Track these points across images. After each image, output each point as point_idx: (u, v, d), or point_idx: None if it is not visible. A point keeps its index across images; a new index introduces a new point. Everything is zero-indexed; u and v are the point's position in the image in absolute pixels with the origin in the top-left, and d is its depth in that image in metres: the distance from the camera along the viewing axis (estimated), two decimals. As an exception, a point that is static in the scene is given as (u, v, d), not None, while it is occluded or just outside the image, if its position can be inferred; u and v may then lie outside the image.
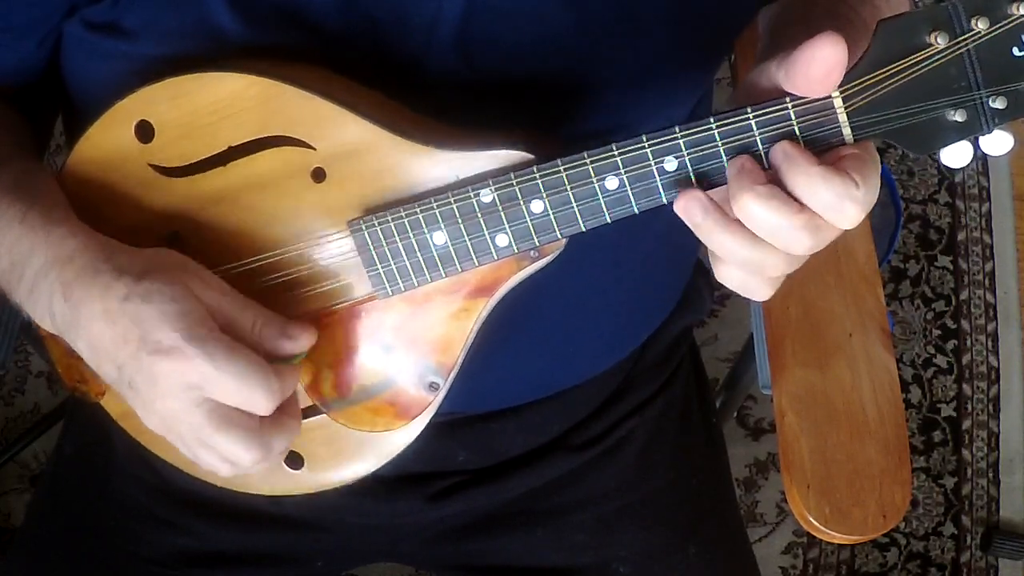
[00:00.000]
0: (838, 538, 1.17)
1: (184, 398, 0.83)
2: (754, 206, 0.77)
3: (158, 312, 0.82)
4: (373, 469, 0.99)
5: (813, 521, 1.16)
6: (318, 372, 0.93)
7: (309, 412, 0.95)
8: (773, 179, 0.79)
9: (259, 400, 0.83)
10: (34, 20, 0.94)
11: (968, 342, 2.27)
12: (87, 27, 0.93)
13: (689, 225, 0.81)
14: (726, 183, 0.80)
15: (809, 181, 0.77)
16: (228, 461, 0.86)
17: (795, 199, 0.77)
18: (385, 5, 0.89)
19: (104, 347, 0.85)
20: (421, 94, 0.91)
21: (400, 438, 0.97)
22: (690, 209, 0.80)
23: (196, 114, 0.88)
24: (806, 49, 0.75)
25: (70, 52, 0.97)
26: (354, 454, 0.99)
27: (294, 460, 0.98)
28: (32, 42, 0.96)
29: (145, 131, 0.89)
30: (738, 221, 0.79)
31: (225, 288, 0.86)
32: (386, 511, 1.22)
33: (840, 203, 0.77)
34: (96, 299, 0.84)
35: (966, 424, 2.20)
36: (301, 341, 0.88)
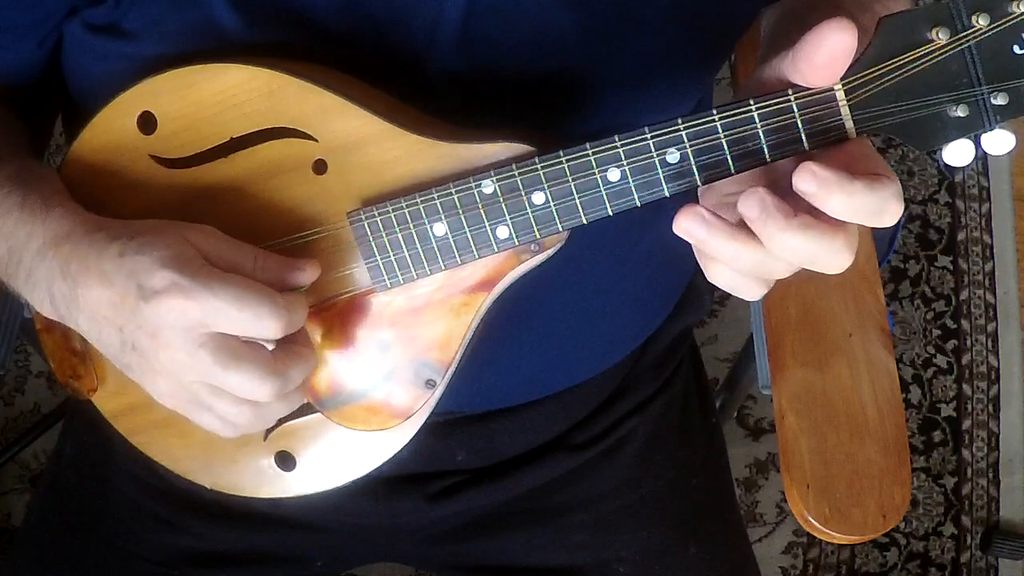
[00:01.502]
0: (838, 538, 1.17)
1: (187, 339, 0.81)
2: (793, 240, 0.75)
3: (153, 259, 0.81)
4: (369, 470, 0.99)
5: (813, 521, 1.16)
6: (313, 369, 0.93)
7: (303, 411, 0.95)
8: (793, 201, 0.76)
9: (267, 322, 0.81)
10: (35, 20, 0.94)
11: (968, 342, 2.27)
12: (88, 29, 0.93)
13: (693, 243, 0.78)
14: (729, 175, 0.80)
15: (852, 197, 0.74)
16: (244, 402, 0.84)
17: (830, 218, 0.76)
18: (386, 5, 0.89)
19: (103, 313, 0.84)
20: (423, 94, 0.91)
21: (396, 437, 0.97)
22: (691, 227, 0.77)
23: (198, 106, 0.88)
24: (814, 34, 0.75)
25: (71, 53, 0.97)
26: (348, 455, 0.98)
27: (286, 461, 0.98)
28: (32, 42, 0.96)
29: (147, 122, 0.89)
30: (742, 226, 0.77)
31: (220, 234, 0.85)
32: (386, 511, 1.21)
33: (886, 204, 0.76)
34: (92, 266, 0.83)
35: (966, 424, 2.20)
36: (307, 271, 0.87)
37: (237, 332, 0.82)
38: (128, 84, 0.89)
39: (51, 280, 0.86)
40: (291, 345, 0.85)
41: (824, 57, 0.75)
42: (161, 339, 0.82)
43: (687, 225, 0.77)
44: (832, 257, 0.77)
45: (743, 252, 0.77)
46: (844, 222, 0.76)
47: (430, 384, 0.92)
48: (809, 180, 0.74)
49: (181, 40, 0.90)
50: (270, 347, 0.85)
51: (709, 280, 0.82)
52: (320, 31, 0.89)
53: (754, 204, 0.75)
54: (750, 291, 0.82)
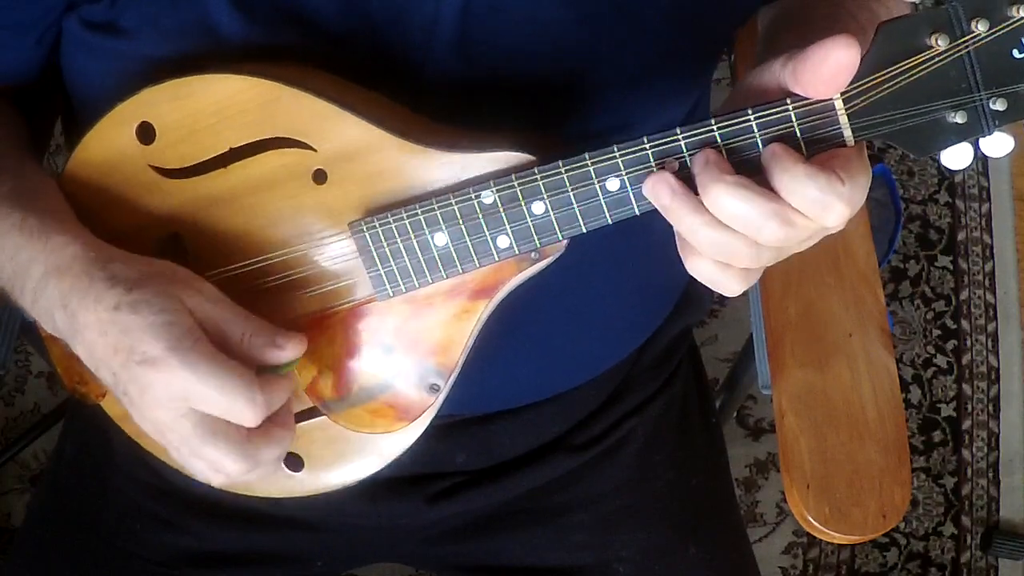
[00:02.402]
0: (838, 538, 1.17)
1: (171, 408, 0.84)
2: (723, 196, 0.77)
3: (145, 323, 0.82)
4: (373, 471, 0.99)
5: (813, 521, 1.16)
6: (318, 373, 0.93)
7: (309, 414, 0.95)
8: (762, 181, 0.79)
9: (243, 412, 0.83)
10: (33, 17, 0.94)
11: (968, 342, 2.27)
12: (85, 26, 0.93)
13: (658, 207, 0.81)
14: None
15: (793, 178, 0.77)
16: (217, 472, 0.87)
17: (769, 190, 0.77)
18: (384, 6, 0.89)
19: (99, 355, 0.85)
20: (421, 95, 0.91)
21: (400, 440, 0.97)
22: (658, 190, 0.80)
23: (197, 116, 0.88)
24: (818, 49, 0.75)
25: (69, 51, 0.97)
26: (354, 456, 0.99)
27: (294, 462, 0.98)
28: (31, 39, 0.96)
29: (146, 132, 0.89)
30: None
31: (217, 296, 0.86)
32: (386, 512, 1.21)
33: (825, 199, 0.77)
34: (89, 309, 0.84)
35: (966, 424, 2.20)
36: (288, 351, 0.88)
37: (216, 414, 0.84)
38: (126, 86, 0.89)
39: (52, 310, 0.87)
40: (269, 427, 0.87)
41: (827, 74, 0.76)
42: (147, 398, 0.84)
43: (654, 187, 0.80)
44: (763, 223, 0.77)
45: (701, 224, 0.79)
46: (780, 196, 0.78)
47: (434, 388, 0.93)
48: (766, 155, 0.79)
49: (178, 38, 0.90)
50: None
51: (688, 271, 0.83)
52: (317, 31, 0.89)
53: (701, 157, 0.79)
54: (730, 284, 0.83)
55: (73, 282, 0.85)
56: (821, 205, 0.77)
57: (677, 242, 0.83)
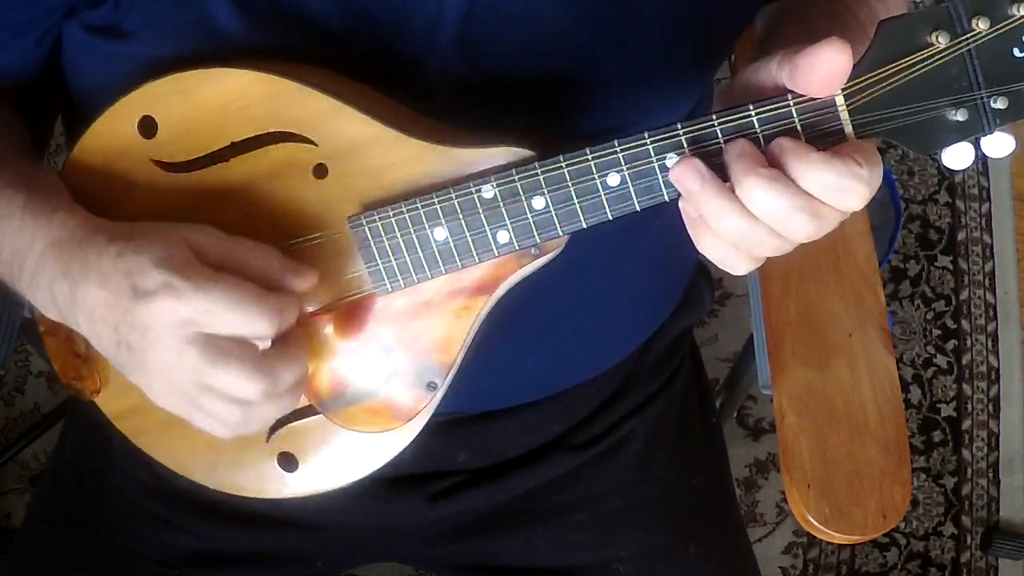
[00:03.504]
0: (838, 538, 1.17)
1: (176, 338, 0.81)
2: (758, 189, 0.77)
3: (148, 259, 0.82)
4: (370, 471, 0.99)
5: (813, 521, 1.16)
6: (315, 371, 0.93)
7: (305, 412, 0.95)
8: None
9: (257, 322, 0.81)
10: (33, 18, 0.94)
11: (968, 342, 2.27)
12: (87, 30, 0.93)
13: (684, 194, 0.81)
14: (729, 179, 0.80)
15: (811, 166, 0.77)
16: (233, 401, 0.84)
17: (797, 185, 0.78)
18: (385, 5, 0.89)
19: (99, 312, 0.84)
20: (422, 94, 0.91)
21: (398, 439, 0.97)
22: (686, 176, 0.80)
23: (199, 110, 0.88)
24: (811, 52, 0.75)
25: (70, 54, 0.97)
26: (351, 456, 0.98)
27: (289, 462, 0.98)
28: (30, 40, 0.96)
29: (148, 126, 0.89)
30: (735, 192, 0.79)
31: (220, 233, 0.86)
32: (386, 511, 1.21)
33: (843, 183, 0.77)
34: (92, 266, 0.84)
35: (966, 424, 2.20)
36: (305, 277, 0.87)
37: (227, 332, 0.82)
38: (126, 85, 0.89)
39: (53, 281, 0.86)
40: (282, 346, 0.85)
41: (821, 76, 0.76)
42: (150, 338, 0.82)
43: (683, 172, 0.80)
44: (793, 217, 0.78)
45: (729, 213, 0.79)
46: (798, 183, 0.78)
47: (432, 386, 0.92)
48: (776, 148, 0.79)
49: (179, 39, 0.90)
50: (262, 347, 0.85)
51: (699, 250, 0.83)
52: (319, 31, 0.89)
53: (735, 147, 0.79)
54: (741, 265, 0.83)
55: (75, 249, 0.85)
56: (841, 190, 0.77)
57: (686, 220, 0.83)
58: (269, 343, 0.85)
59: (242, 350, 0.82)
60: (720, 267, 0.84)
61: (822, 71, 0.76)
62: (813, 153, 0.77)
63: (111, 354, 0.86)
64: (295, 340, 0.87)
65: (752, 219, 0.79)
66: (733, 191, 0.79)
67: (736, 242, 0.81)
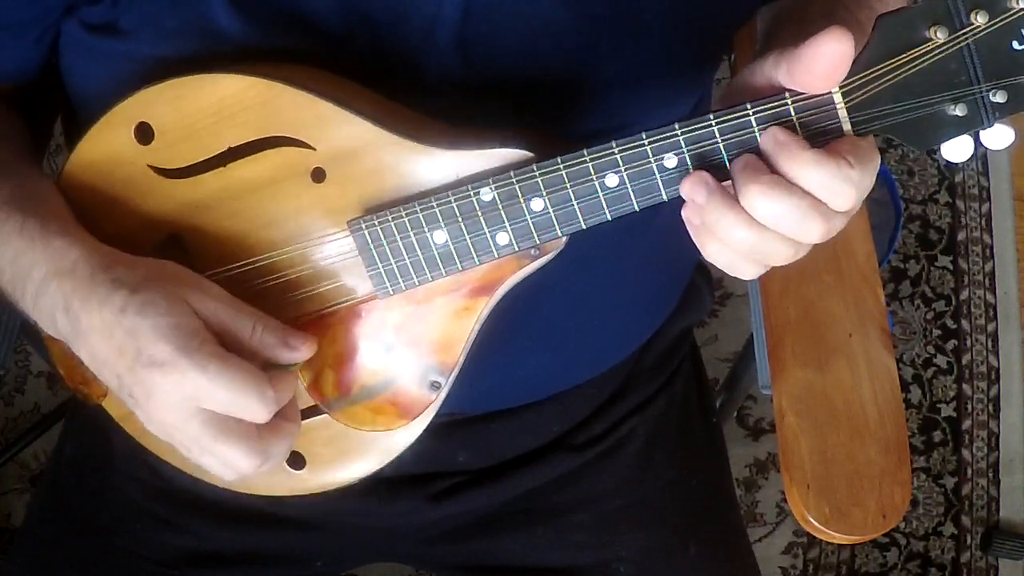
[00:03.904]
0: (838, 538, 1.17)
1: (181, 409, 0.83)
2: (760, 196, 0.77)
3: (152, 325, 0.82)
4: (375, 469, 0.99)
5: (813, 521, 1.16)
6: (319, 372, 0.93)
7: (310, 412, 0.95)
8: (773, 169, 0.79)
9: (254, 409, 0.83)
10: (32, 18, 0.94)
11: (968, 342, 2.27)
12: (85, 28, 0.93)
13: (694, 208, 0.81)
14: (727, 179, 0.81)
15: (802, 164, 0.77)
16: (229, 468, 0.87)
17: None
18: (384, 6, 0.89)
19: (103, 358, 0.85)
20: (421, 94, 0.91)
21: (401, 438, 0.97)
22: (695, 190, 0.80)
23: (196, 115, 0.88)
24: (812, 45, 0.75)
25: (69, 53, 0.97)
26: (356, 454, 0.99)
27: (296, 460, 0.99)
28: (29, 40, 0.96)
29: (145, 133, 0.89)
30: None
31: (223, 296, 0.87)
32: (386, 511, 1.21)
33: (833, 183, 0.77)
34: (94, 312, 0.84)
35: (966, 424, 2.20)
36: (301, 351, 0.89)
37: (226, 412, 0.84)
38: (125, 85, 0.89)
39: (54, 312, 0.87)
40: (277, 422, 0.87)
41: (823, 67, 0.76)
42: (155, 401, 0.84)
43: (692, 186, 0.80)
44: (802, 220, 0.78)
45: (737, 226, 0.79)
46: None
47: (435, 386, 0.93)
48: (769, 140, 0.79)
49: (177, 39, 0.90)
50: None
51: (705, 258, 0.83)
52: (317, 32, 0.89)
53: (739, 162, 0.80)
54: (745, 271, 0.83)
55: (75, 285, 0.85)
56: (829, 190, 0.77)
57: (690, 228, 0.83)
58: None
59: (240, 430, 0.85)
60: (728, 272, 0.84)
61: (824, 63, 0.76)
62: (805, 152, 0.77)
63: (114, 390, 0.88)
64: (291, 415, 0.89)
65: (761, 229, 0.79)
66: (738, 203, 0.79)
67: (748, 253, 0.81)
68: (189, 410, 0.83)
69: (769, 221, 0.78)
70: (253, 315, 0.87)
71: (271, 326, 0.87)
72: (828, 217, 0.78)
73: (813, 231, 0.79)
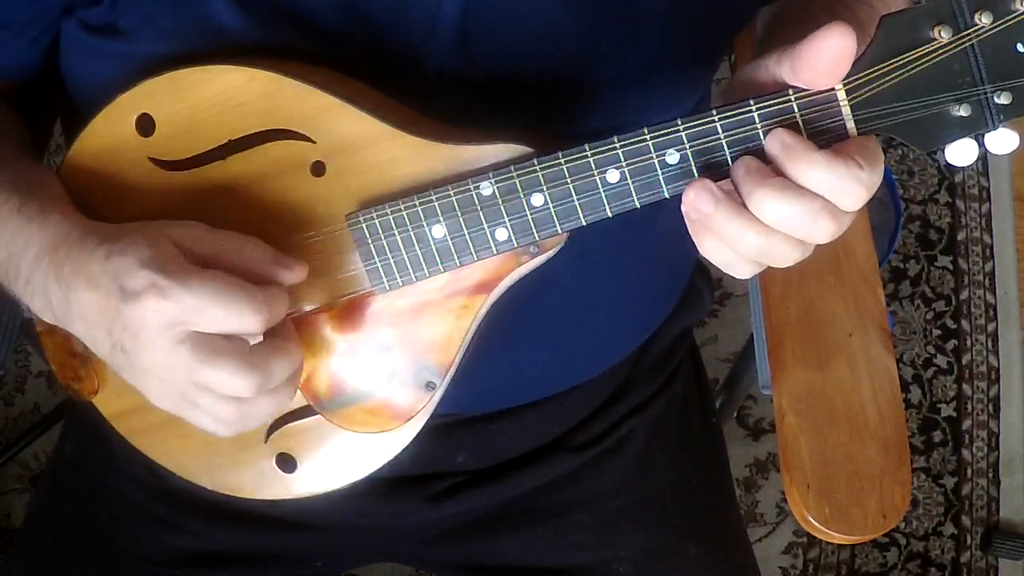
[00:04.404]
0: (838, 538, 1.17)
1: (166, 338, 0.81)
2: (770, 200, 0.77)
3: (133, 260, 0.81)
4: (369, 472, 0.99)
5: (813, 521, 1.16)
6: (313, 371, 0.93)
7: (303, 413, 0.95)
8: (777, 171, 0.79)
9: (245, 317, 0.81)
10: (31, 17, 0.94)
11: (968, 342, 2.27)
12: (85, 29, 0.93)
13: (698, 218, 0.80)
14: (728, 177, 0.80)
15: (811, 166, 0.77)
16: (228, 398, 0.83)
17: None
18: (383, 5, 0.89)
19: (93, 316, 0.84)
20: (420, 93, 0.91)
21: (396, 439, 0.97)
22: (700, 199, 0.80)
23: (197, 107, 0.88)
24: (814, 40, 0.75)
25: (68, 53, 0.97)
26: (349, 457, 0.98)
27: (287, 462, 0.98)
28: (27, 39, 0.96)
29: (145, 124, 0.89)
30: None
31: (204, 227, 0.85)
32: (386, 512, 1.21)
33: (843, 184, 0.77)
34: (82, 269, 0.83)
35: (966, 424, 2.20)
36: (294, 269, 0.87)
37: (216, 329, 0.81)
38: (125, 84, 0.89)
39: (47, 285, 0.86)
40: (273, 339, 0.84)
41: (826, 63, 0.76)
42: (142, 339, 0.82)
43: (696, 195, 0.80)
44: (813, 221, 0.78)
45: (746, 231, 0.79)
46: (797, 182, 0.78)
47: (430, 386, 0.92)
48: (776, 143, 0.78)
49: (177, 38, 0.90)
50: (253, 342, 0.84)
51: (702, 255, 0.83)
52: (317, 30, 0.89)
53: (741, 165, 0.79)
54: (743, 270, 0.83)
55: (67, 251, 0.85)
56: (840, 191, 0.77)
57: (688, 224, 0.82)
58: (261, 337, 0.84)
59: (232, 346, 0.82)
60: (725, 271, 0.84)
61: (826, 58, 0.75)
62: (814, 153, 0.77)
63: (107, 356, 0.86)
64: (286, 333, 0.86)
65: (770, 232, 0.79)
66: (746, 208, 0.79)
67: (755, 256, 0.81)
68: (176, 336, 0.81)
69: (778, 224, 0.78)
70: (239, 236, 0.85)
71: (260, 244, 0.86)
72: (838, 218, 0.78)
73: (823, 232, 0.78)
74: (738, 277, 0.84)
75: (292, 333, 0.87)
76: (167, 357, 0.82)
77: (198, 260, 0.82)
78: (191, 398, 0.84)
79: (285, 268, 0.86)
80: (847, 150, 0.77)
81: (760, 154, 0.80)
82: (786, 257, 0.81)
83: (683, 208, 0.82)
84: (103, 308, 0.83)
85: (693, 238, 0.83)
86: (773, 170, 0.79)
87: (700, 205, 0.80)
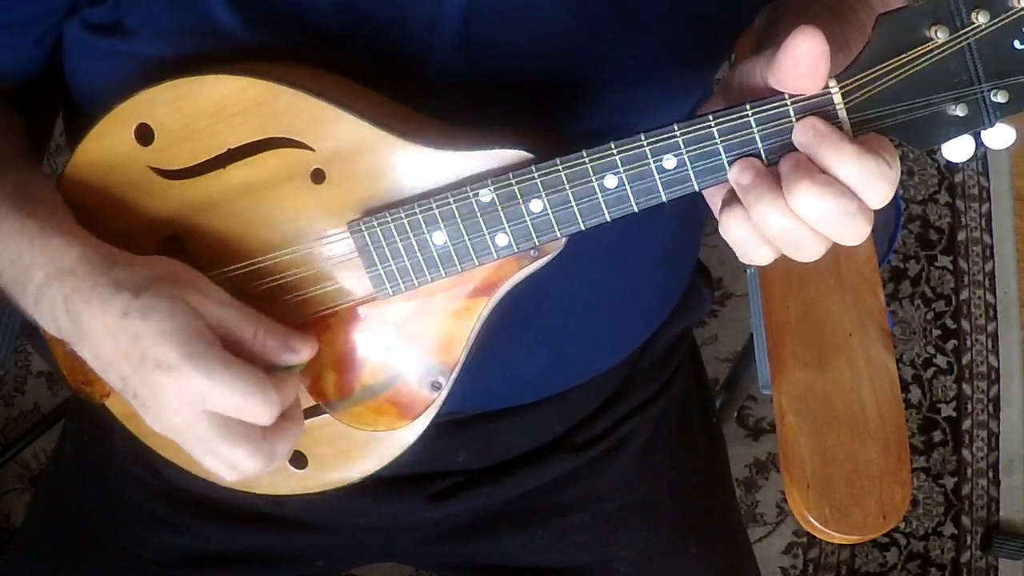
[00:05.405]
0: (838, 538, 1.17)
1: (187, 411, 0.84)
2: (807, 195, 0.76)
3: (156, 330, 0.82)
4: (376, 468, 0.99)
5: (813, 521, 1.16)
6: (321, 372, 0.93)
7: (312, 412, 0.95)
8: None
9: (258, 412, 0.83)
10: (33, 17, 0.94)
11: (968, 342, 2.27)
12: (87, 28, 0.93)
13: (736, 187, 0.80)
14: (726, 180, 0.80)
15: (842, 159, 0.76)
16: (234, 469, 0.87)
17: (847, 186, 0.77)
18: (385, 5, 0.89)
19: (107, 360, 0.85)
20: (421, 94, 0.91)
21: (403, 437, 0.97)
22: (743, 170, 0.79)
23: (195, 116, 0.88)
24: (786, 49, 0.75)
25: (70, 53, 0.97)
26: (357, 453, 0.99)
27: (298, 460, 0.99)
28: (29, 40, 0.96)
29: (144, 134, 0.89)
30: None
31: (224, 299, 0.87)
32: (386, 511, 1.21)
33: (872, 181, 0.76)
34: (96, 314, 0.84)
35: (966, 424, 2.20)
36: (303, 353, 0.89)
37: (231, 415, 0.84)
38: (126, 85, 0.89)
39: (55, 312, 0.87)
40: (281, 422, 0.87)
41: (805, 67, 0.76)
42: (162, 403, 0.84)
43: (738, 171, 0.80)
44: (850, 221, 0.77)
45: (776, 209, 0.78)
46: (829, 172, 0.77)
47: (436, 386, 0.93)
48: (807, 131, 0.78)
49: (178, 39, 0.90)
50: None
51: (720, 234, 0.82)
52: (318, 32, 0.89)
53: (788, 157, 0.78)
54: (755, 253, 0.82)
55: (76, 285, 0.85)
56: (868, 188, 0.77)
57: (709, 203, 0.82)
58: None
59: (246, 430, 0.85)
60: (737, 251, 0.83)
61: (803, 64, 0.75)
62: (848, 144, 0.76)
63: (119, 390, 0.88)
64: (294, 416, 0.89)
65: (797, 219, 0.78)
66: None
67: (778, 239, 0.79)
68: (195, 413, 0.83)
69: (813, 220, 0.77)
70: (254, 318, 0.87)
71: (272, 330, 0.87)
72: (868, 218, 0.77)
73: (853, 233, 0.78)
74: (747, 260, 0.83)
75: (298, 415, 0.90)
76: (185, 424, 0.85)
77: (216, 337, 0.85)
78: (197, 453, 0.88)
79: (294, 353, 0.88)
80: (873, 146, 0.77)
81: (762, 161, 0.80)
82: (809, 250, 0.80)
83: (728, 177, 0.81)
84: (121, 358, 0.84)
85: (717, 213, 0.82)
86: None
87: (741, 178, 0.79)
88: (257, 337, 0.87)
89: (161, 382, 0.83)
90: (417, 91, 0.91)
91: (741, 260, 0.84)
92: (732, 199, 0.81)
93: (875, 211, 0.78)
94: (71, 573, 1.23)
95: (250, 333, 0.86)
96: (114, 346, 0.84)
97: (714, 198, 0.84)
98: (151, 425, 0.88)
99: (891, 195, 0.77)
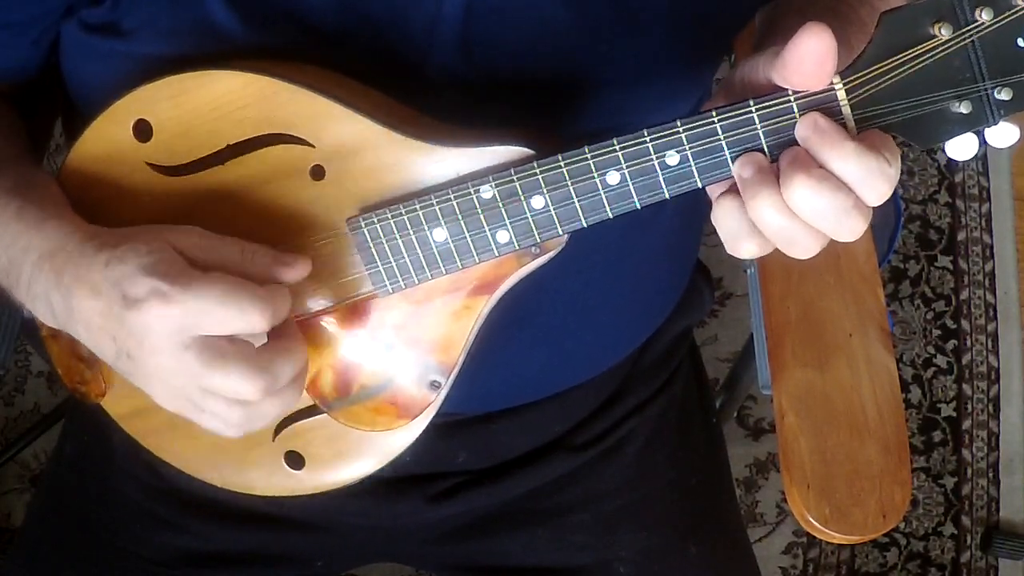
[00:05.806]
0: (838, 538, 1.17)
1: (172, 344, 0.81)
2: (804, 189, 0.76)
3: (133, 267, 0.81)
4: (375, 469, 0.99)
5: (813, 521, 1.16)
6: (319, 371, 0.93)
7: (310, 412, 0.95)
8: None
9: (248, 315, 0.81)
10: (31, 18, 0.94)
11: (968, 342, 2.27)
12: (85, 29, 0.93)
13: (737, 180, 0.80)
14: (730, 177, 0.80)
15: (842, 155, 0.76)
16: (235, 402, 0.84)
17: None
18: (384, 5, 0.89)
19: (97, 323, 0.84)
20: (421, 93, 0.91)
21: (401, 437, 0.97)
22: (745, 163, 0.79)
23: (194, 113, 0.87)
24: (793, 46, 0.75)
25: (68, 54, 0.97)
26: (356, 454, 0.98)
27: (295, 460, 0.98)
28: (27, 40, 0.96)
29: (143, 130, 0.89)
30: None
31: (204, 232, 0.85)
32: (386, 512, 1.21)
33: (871, 179, 0.76)
34: (83, 276, 0.83)
35: (966, 424, 2.20)
36: (296, 266, 0.87)
37: (221, 331, 0.81)
38: (125, 84, 0.89)
39: (48, 292, 0.86)
40: (278, 340, 0.84)
41: (811, 65, 0.76)
42: (148, 345, 0.82)
43: (740, 164, 0.80)
44: (845, 217, 0.77)
45: (772, 203, 0.78)
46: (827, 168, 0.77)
47: (435, 385, 0.92)
48: (809, 126, 0.78)
49: (176, 39, 0.90)
50: (258, 344, 0.84)
51: (713, 223, 0.82)
52: (317, 31, 0.89)
53: (787, 152, 0.78)
54: (743, 246, 0.82)
55: (66, 257, 0.85)
56: (867, 185, 0.77)
57: (708, 191, 0.82)
58: (265, 338, 0.84)
59: (238, 349, 0.82)
60: (726, 244, 0.83)
61: (810, 61, 0.76)
62: (848, 141, 0.76)
63: (112, 362, 0.86)
64: (291, 333, 0.86)
65: (792, 216, 0.78)
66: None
67: (776, 237, 0.80)
68: (182, 343, 0.81)
69: (808, 215, 0.77)
70: (238, 242, 0.85)
71: (259, 247, 0.86)
72: (864, 215, 0.77)
73: (848, 229, 0.78)
74: (734, 253, 0.83)
75: (296, 332, 0.87)
76: (173, 362, 0.82)
77: (198, 265, 0.83)
78: (198, 402, 0.84)
79: (286, 266, 0.86)
80: (875, 143, 0.77)
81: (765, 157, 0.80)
82: (804, 245, 0.80)
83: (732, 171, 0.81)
84: (106, 315, 0.83)
85: (712, 202, 0.82)
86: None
87: (743, 171, 0.79)
88: (245, 255, 0.85)
89: (143, 318, 0.80)
90: (417, 91, 0.91)
91: (729, 252, 0.84)
92: (730, 190, 0.81)
93: (875, 210, 0.78)
94: (71, 573, 1.23)
95: (237, 252, 0.85)
96: (100, 303, 0.82)
97: (715, 191, 0.84)
98: (151, 393, 0.86)
99: (889, 193, 0.78)
